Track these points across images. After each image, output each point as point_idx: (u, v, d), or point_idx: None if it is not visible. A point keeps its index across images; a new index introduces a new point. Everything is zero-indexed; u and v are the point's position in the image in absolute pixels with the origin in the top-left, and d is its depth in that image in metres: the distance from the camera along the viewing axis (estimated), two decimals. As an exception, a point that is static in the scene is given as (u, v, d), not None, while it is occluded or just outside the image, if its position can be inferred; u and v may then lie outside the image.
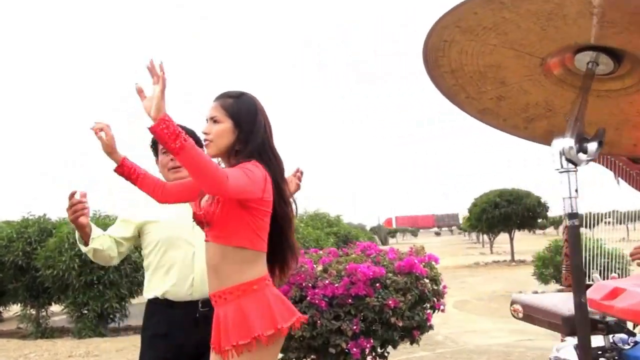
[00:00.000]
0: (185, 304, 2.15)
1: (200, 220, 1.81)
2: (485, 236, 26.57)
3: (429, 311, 3.50)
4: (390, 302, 3.14)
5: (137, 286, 8.01)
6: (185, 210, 2.12)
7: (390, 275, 3.31)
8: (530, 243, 26.59)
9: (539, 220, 20.17)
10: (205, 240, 1.83)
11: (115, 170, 1.92)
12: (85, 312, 7.51)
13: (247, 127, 1.81)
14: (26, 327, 7.88)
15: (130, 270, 7.64)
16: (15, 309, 8.91)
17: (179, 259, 2.19)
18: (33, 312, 7.98)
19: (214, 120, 1.82)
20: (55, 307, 8.40)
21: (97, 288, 7.45)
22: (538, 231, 30.69)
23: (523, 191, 18.16)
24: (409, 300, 3.28)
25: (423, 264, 3.49)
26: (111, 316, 7.81)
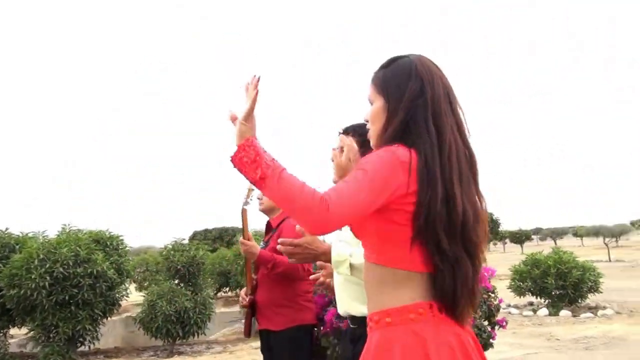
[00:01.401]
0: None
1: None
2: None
3: (489, 327, 3.47)
4: (469, 318, 3.08)
5: (111, 305, 7.43)
6: None
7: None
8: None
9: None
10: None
11: None
12: (54, 334, 6.83)
13: (394, 99, 1.31)
14: (-16, 353, 7.06)
15: (105, 289, 7.06)
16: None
17: None
18: (-9, 336, 7.17)
19: (370, 103, 1.38)
20: (13, 330, 7.61)
21: (68, 308, 6.82)
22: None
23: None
24: (480, 317, 3.23)
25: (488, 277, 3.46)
26: (81, 339, 7.17)
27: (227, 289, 12.44)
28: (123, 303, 8.70)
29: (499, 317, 3.62)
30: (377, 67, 1.41)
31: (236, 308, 9.99)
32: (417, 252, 1.22)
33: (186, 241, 7.46)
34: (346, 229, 1.63)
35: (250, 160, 1.19)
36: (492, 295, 3.43)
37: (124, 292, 7.43)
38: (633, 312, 8.49)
